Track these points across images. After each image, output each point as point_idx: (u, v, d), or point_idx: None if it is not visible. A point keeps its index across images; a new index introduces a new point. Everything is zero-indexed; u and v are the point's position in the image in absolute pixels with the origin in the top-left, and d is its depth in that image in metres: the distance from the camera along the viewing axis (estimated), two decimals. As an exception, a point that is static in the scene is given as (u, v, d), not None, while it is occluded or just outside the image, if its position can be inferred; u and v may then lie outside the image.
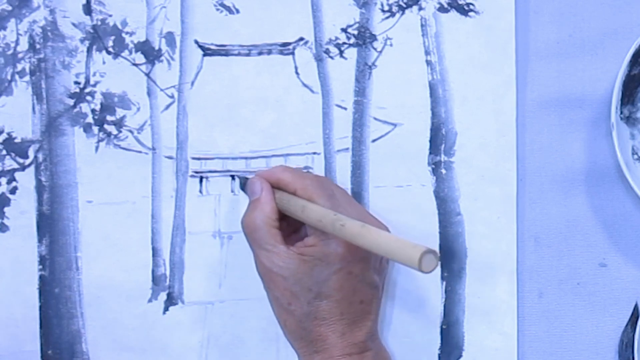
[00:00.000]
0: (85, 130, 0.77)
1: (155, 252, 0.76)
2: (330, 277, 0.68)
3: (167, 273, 0.76)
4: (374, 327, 0.71)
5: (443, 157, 0.77)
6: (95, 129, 0.77)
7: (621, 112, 0.74)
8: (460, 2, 0.77)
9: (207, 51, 0.77)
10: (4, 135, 0.77)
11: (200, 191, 0.77)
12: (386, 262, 0.73)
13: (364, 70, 0.77)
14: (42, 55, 0.77)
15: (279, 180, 0.72)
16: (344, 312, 0.69)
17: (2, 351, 0.75)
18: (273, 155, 0.77)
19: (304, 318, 0.69)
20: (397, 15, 0.77)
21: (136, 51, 0.77)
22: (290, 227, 0.73)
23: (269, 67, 0.77)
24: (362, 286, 0.70)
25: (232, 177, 0.77)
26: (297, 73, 0.77)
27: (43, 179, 0.76)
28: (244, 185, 0.75)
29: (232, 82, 0.77)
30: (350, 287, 0.69)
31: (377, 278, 0.71)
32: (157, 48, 0.77)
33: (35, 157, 0.77)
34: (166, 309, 0.76)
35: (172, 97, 0.77)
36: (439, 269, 0.76)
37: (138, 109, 0.77)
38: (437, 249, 0.58)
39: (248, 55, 0.77)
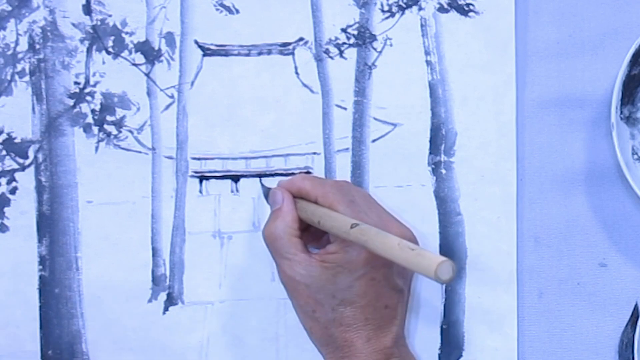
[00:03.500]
0: (85, 131, 0.77)
1: (155, 252, 0.76)
2: (354, 283, 0.68)
3: (167, 273, 0.76)
4: (400, 332, 0.71)
5: (443, 157, 0.77)
6: (95, 129, 0.77)
7: (621, 112, 0.74)
8: (460, 3, 0.77)
9: (207, 51, 0.77)
10: (4, 136, 0.77)
11: (200, 191, 0.77)
12: None
13: (363, 71, 0.77)
14: (41, 56, 0.77)
15: (299, 190, 0.72)
16: (369, 317, 0.69)
17: (2, 351, 0.75)
18: (273, 156, 0.77)
19: (329, 325, 0.69)
20: (397, 15, 0.77)
21: (136, 51, 0.77)
22: (313, 236, 0.73)
23: (269, 67, 0.77)
24: (386, 291, 0.70)
25: (233, 179, 0.77)
26: (297, 73, 0.77)
27: (43, 179, 0.76)
28: (267, 194, 0.75)
29: (232, 82, 0.77)
30: (374, 293, 0.69)
31: (401, 282, 0.71)
32: (157, 48, 0.77)
33: (35, 157, 0.77)
34: (166, 309, 0.76)
35: (172, 97, 0.77)
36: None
37: (138, 109, 0.77)
38: (451, 260, 0.58)
39: (248, 55, 0.77)
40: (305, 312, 0.70)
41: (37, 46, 0.77)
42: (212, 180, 0.77)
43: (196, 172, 0.77)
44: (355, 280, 0.68)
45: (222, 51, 0.77)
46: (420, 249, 0.61)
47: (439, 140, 0.77)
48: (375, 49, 0.77)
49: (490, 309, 0.76)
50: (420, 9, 0.77)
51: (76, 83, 0.77)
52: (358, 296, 0.69)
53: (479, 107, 0.77)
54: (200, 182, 0.77)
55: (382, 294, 0.70)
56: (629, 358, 0.75)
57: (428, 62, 0.77)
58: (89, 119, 0.77)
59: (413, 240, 0.72)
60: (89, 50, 0.77)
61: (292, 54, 0.77)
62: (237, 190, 0.77)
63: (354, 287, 0.69)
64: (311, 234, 0.72)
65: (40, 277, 0.76)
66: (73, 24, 0.77)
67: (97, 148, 0.77)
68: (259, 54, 0.77)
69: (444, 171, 0.77)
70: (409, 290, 0.73)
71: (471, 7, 0.77)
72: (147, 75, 0.77)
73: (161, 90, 0.77)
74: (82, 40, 0.77)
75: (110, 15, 0.77)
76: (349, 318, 0.69)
